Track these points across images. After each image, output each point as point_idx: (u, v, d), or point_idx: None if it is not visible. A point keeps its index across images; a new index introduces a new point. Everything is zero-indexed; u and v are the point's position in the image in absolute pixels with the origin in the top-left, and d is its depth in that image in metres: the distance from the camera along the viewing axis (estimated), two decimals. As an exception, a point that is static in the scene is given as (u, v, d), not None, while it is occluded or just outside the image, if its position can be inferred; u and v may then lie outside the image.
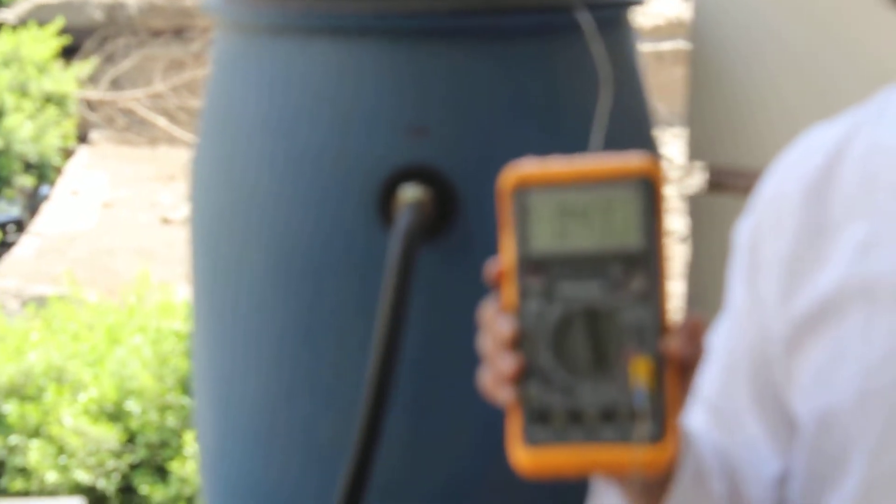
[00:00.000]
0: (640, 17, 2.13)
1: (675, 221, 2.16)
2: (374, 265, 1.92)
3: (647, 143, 2.17)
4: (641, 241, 0.99)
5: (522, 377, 1.01)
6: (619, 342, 0.99)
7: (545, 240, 1.01)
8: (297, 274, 2.00)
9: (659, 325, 1.00)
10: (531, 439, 1.00)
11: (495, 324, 1.01)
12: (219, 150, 2.14)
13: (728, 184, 2.03)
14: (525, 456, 0.99)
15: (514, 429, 1.01)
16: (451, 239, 1.94)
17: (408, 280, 1.92)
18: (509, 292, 1.03)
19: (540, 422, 1.00)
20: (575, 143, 1.99)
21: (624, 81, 2.08)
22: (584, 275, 1.00)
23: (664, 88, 2.06)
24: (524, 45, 1.97)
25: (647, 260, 1.00)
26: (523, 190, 1.02)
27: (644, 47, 2.13)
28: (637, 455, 0.99)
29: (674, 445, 1.01)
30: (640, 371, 0.98)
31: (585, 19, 1.93)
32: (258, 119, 2.04)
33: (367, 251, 1.94)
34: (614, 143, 2.01)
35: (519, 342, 1.01)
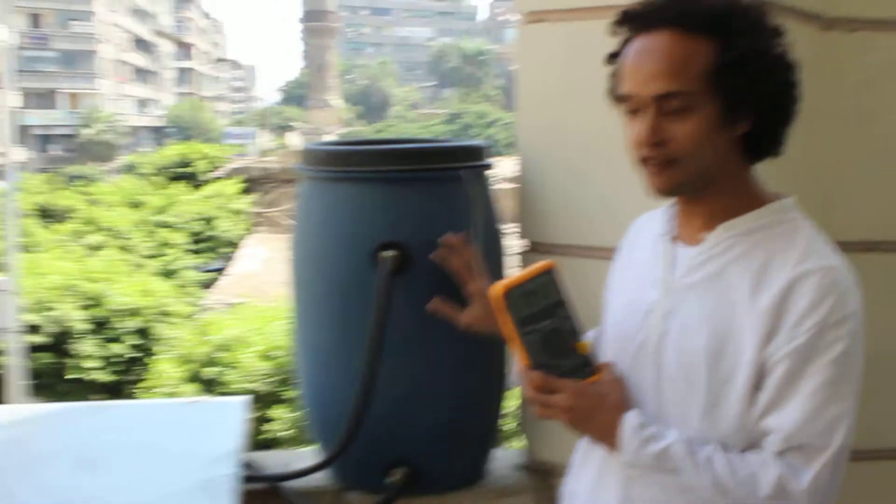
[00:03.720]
0: (494, 172, 2.48)
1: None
2: (372, 287, 2.29)
3: (496, 231, 2.47)
4: (558, 296, 1.49)
5: (536, 367, 1.50)
6: (567, 339, 1.50)
7: (523, 309, 1.49)
8: (338, 292, 2.41)
9: (576, 326, 1.48)
10: None
11: (524, 373, 1.55)
12: (301, 233, 2.49)
13: (538, 248, 2.41)
14: None
15: None
16: (407, 275, 2.33)
17: (389, 293, 2.28)
18: (517, 343, 1.53)
19: None
20: (463, 228, 2.36)
21: (486, 202, 2.45)
22: (544, 317, 1.50)
23: (506, 206, 2.50)
24: (440, 184, 2.39)
25: (564, 302, 1.49)
26: (506, 292, 1.49)
27: (497, 186, 2.49)
28: (587, 383, 1.49)
29: (598, 377, 1.52)
30: (582, 348, 1.51)
31: (467, 174, 2.43)
32: (318, 219, 2.43)
33: (369, 280, 2.27)
34: (482, 228, 2.41)
35: (529, 358, 1.50)
